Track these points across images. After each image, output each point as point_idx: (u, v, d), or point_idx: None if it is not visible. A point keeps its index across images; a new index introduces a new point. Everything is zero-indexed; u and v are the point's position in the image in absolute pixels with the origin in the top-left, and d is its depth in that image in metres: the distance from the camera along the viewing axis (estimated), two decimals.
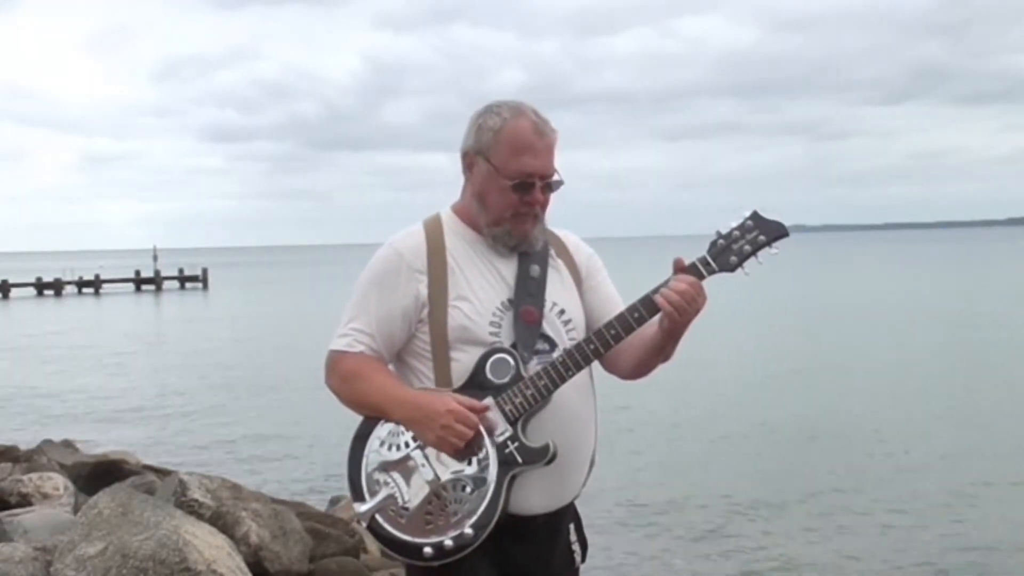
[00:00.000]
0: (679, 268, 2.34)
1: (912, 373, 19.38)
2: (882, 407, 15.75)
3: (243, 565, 5.17)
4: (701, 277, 2.34)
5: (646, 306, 2.34)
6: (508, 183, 2.38)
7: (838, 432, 13.87)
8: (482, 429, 2.31)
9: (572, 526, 2.55)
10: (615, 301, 2.52)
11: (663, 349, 2.42)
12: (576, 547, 2.55)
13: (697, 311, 2.32)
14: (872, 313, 32.98)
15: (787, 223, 2.39)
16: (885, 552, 8.69)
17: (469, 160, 2.45)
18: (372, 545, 6.66)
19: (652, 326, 2.38)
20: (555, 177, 2.43)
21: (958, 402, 16.08)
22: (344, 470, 2.41)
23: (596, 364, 2.47)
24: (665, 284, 2.33)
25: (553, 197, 2.46)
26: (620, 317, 2.36)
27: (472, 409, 2.30)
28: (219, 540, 5.16)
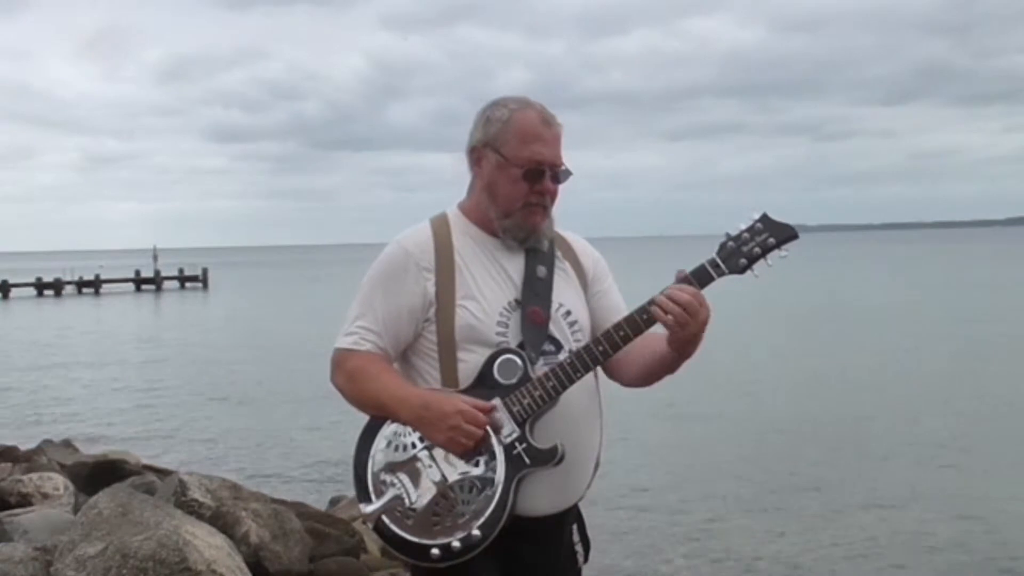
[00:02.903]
0: (680, 279, 2.31)
1: (913, 372, 19.39)
2: (883, 406, 15.76)
3: (243, 565, 5.16)
4: (710, 279, 2.31)
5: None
6: (519, 171, 2.38)
7: (839, 431, 13.88)
8: (489, 430, 2.29)
9: (575, 527, 2.54)
10: (620, 308, 2.50)
11: (671, 364, 2.40)
12: (579, 547, 2.55)
13: (701, 322, 2.27)
14: (872, 313, 33.03)
15: (787, 222, 2.38)
16: (886, 552, 8.69)
17: (477, 154, 2.44)
18: (372, 545, 6.65)
19: (661, 337, 2.36)
20: (564, 167, 2.43)
21: (960, 402, 16.08)
22: (347, 470, 2.40)
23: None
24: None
25: (560, 191, 2.45)
26: (629, 319, 2.34)
27: (480, 409, 2.29)
28: (219, 540, 5.15)
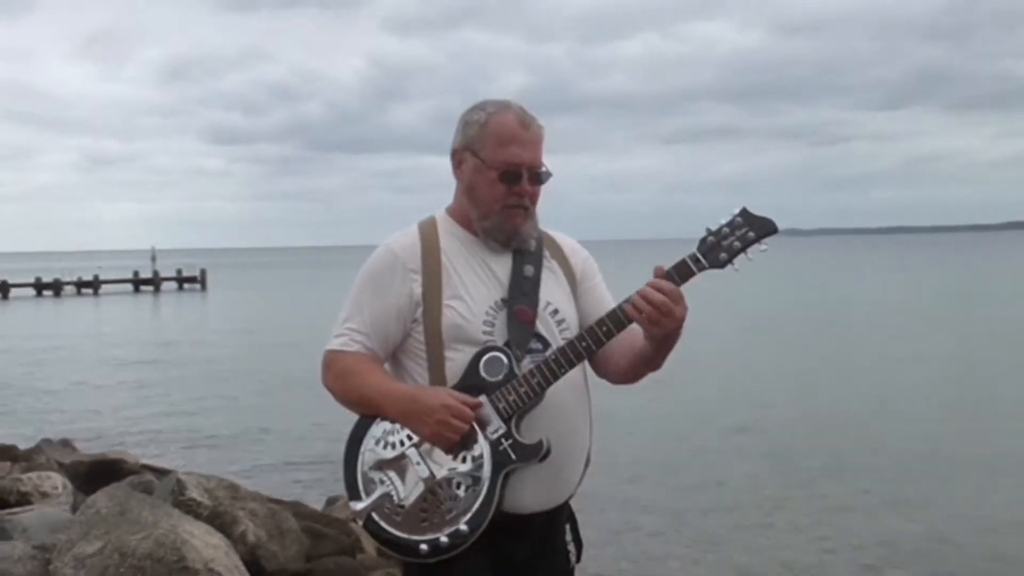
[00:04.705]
0: (658, 275, 2.29)
1: (907, 373, 19.40)
2: (877, 407, 15.79)
3: (240, 564, 5.17)
4: (691, 274, 2.31)
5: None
6: (495, 173, 2.39)
7: (833, 432, 13.88)
8: (475, 425, 2.31)
9: (568, 526, 2.55)
10: (607, 304, 2.50)
11: (652, 360, 2.40)
12: (571, 547, 2.56)
13: (677, 319, 2.27)
14: (865, 315, 33.08)
15: (783, 226, 2.36)
16: (881, 551, 8.69)
17: (458, 158, 2.46)
18: (368, 545, 6.65)
19: (642, 333, 2.36)
20: (543, 169, 2.43)
21: (953, 401, 16.12)
22: (341, 470, 2.41)
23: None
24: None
25: (544, 191, 2.46)
26: (611, 314, 2.34)
27: (467, 404, 2.30)
28: (216, 539, 5.16)
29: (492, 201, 2.41)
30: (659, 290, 2.26)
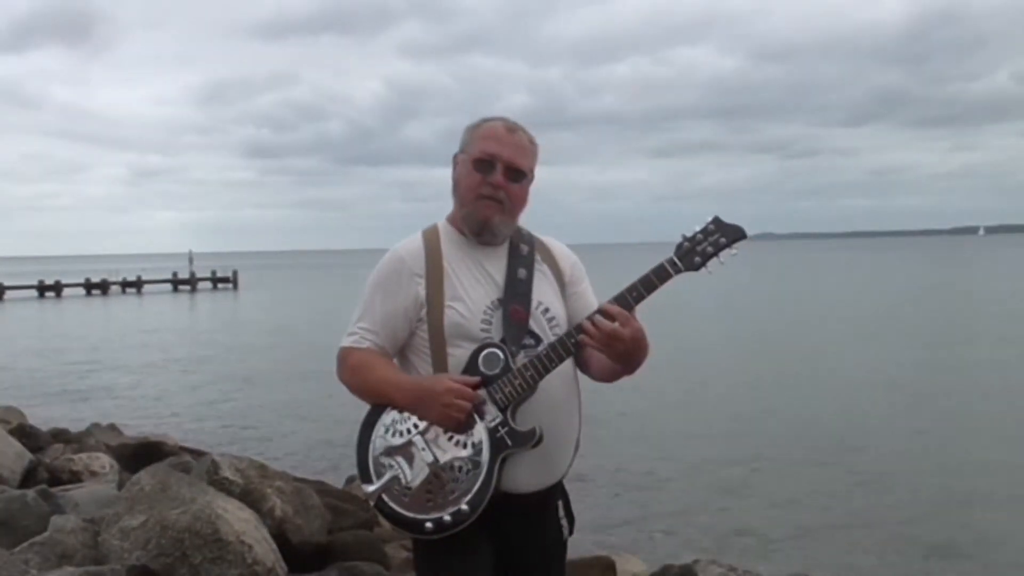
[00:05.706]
0: (606, 304, 2.29)
1: (873, 363, 19.41)
2: (843, 390, 15.81)
3: (268, 536, 5.18)
4: (668, 276, 2.32)
5: (620, 303, 2.31)
6: (471, 162, 2.40)
7: (799, 417, 13.90)
8: (475, 413, 2.31)
9: (561, 503, 2.55)
10: (592, 309, 2.47)
11: (620, 370, 2.40)
12: (564, 522, 2.56)
13: (626, 341, 2.25)
14: (830, 306, 33.05)
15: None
16: (850, 529, 8.67)
17: (454, 161, 2.48)
18: (384, 519, 6.63)
19: None
20: (520, 169, 2.40)
21: (918, 390, 16.13)
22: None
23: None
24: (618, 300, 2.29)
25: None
26: (577, 327, 2.33)
27: (467, 385, 2.31)
28: (247, 514, 5.17)
29: (468, 190, 2.41)
30: (607, 316, 2.27)
